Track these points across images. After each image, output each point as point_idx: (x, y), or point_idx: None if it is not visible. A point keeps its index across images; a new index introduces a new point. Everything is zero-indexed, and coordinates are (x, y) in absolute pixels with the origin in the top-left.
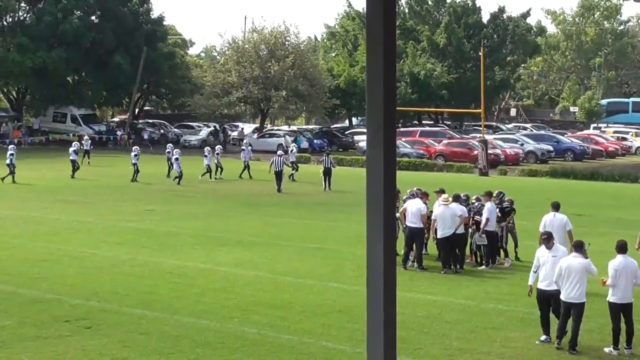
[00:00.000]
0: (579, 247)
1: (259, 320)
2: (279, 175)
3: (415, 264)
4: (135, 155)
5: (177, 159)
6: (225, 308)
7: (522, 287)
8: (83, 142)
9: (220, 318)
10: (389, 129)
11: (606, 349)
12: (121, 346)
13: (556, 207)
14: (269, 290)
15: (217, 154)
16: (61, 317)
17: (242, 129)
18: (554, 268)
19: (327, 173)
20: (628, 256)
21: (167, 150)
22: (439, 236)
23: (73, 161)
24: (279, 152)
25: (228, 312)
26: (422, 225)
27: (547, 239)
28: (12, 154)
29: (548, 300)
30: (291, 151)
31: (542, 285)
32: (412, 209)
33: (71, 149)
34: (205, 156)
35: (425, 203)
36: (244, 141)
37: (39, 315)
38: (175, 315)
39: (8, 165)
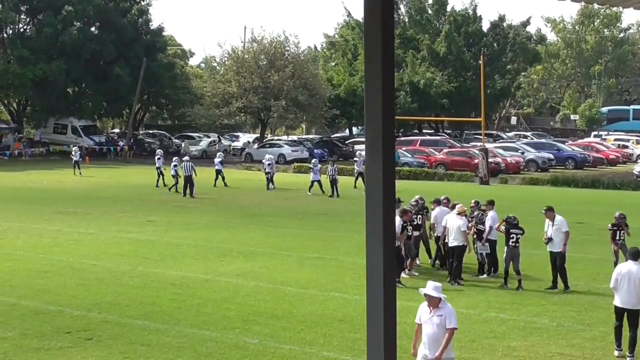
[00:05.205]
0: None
1: (261, 331)
2: (188, 179)
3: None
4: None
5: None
6: (226, 318)
7: (523, 296)
8: (73, 153)
9: (222, 329)
10: (387, 139)
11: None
12: (122, 357)
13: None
14: (270, 301)
15: (158, 159)
16: (63, 329)
17: (249, 141)
18: None
19: (334, 182)
20: (639, 264)
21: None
22: (449, 245)
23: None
24: (186, 157)
25: (229, 323)
26: (397, 243)
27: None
28: (175, 165)
29: None
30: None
31: None
32: None
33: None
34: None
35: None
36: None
37: (40, 327)
38: (176, 326)
39: (173, 176)
